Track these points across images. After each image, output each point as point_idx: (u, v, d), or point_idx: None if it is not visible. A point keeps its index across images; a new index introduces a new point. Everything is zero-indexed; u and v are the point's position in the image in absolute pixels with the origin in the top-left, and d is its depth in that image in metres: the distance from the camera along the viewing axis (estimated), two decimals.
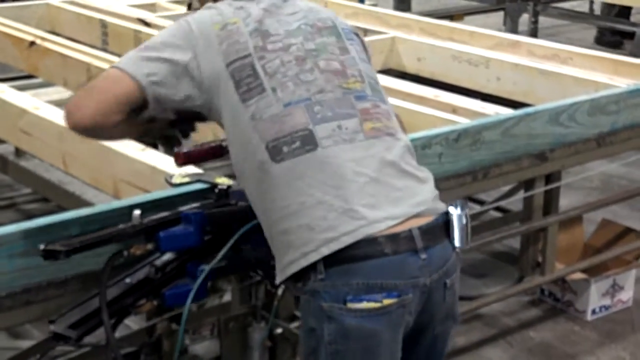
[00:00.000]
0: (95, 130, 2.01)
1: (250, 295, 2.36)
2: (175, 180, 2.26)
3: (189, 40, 1.96)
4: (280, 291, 2.13)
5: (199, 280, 1.94)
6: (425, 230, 1.86)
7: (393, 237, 1.83)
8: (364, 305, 1.82)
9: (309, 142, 1.87)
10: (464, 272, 3.77)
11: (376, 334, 1.84)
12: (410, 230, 1.85)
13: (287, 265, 1.87)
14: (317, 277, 1.83)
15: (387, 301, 1.82)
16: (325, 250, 1.82)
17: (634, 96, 3.26)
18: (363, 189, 1.85)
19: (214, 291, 2.31)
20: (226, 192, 2.14)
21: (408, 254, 1.84)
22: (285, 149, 1.87)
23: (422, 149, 2.71)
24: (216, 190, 2.15)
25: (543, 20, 7.12)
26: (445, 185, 2.80)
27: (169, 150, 2.22)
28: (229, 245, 1.96)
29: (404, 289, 1.84)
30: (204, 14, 2.03)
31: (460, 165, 2.84)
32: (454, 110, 3.21)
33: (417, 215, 1.87)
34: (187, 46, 1.96)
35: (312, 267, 1.84)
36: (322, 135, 1.88)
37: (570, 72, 3.63)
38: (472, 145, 2.85)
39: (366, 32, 4.24)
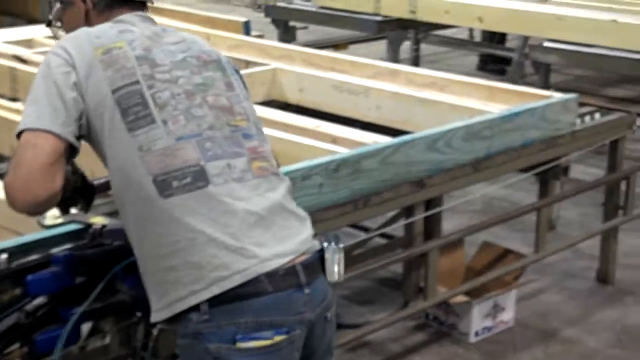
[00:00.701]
0: (50, 200, 1.87)
1: (130, 336, 2.32)
2: (48, 221, 2.21)
3: (69, 68, 1.88)
4: (156, 331, 2.09)
5: (69, 325, 1.90)
6: (306, 266, 1.88)
7: (278, 274, 1.83)
8: (255, 343, 1.80)
9: (200, 178, 1.85)
10: (350, 300, 3.84)
11: None
12: (294, 266, 1.86)
13: (172, 302, 1.83)
14: (201, 318, 1.80)
15: (277, 338, 1.82)
16: (216, 290, 1.80)
17: (506, 121, 3.36)
18: (253, 228, 1.85)
19: (96, 332, 2.26)
20: (100, 231, 2.10)
21: (293, 289, 1.85)
22: (175, 183, 1.83)
23: (302, 180, 2.73)
24: (90, 231, 2.11)
25: (425, 47, 7.29)
26: (326, 215, 2.83)
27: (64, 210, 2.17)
28: (99, 288, 1.92)
29: (292, 325, 1.84)
30: (80, 37, 1.94)
31: (340, 195, 2.88)
32: (334, 140, 3.24)
33: (302, 253, 1.89)
34: (69, 75, 1.88)
35: (194, 308, 1.81)
36: (213, 173, 1.86)
37: (447, 99, 3.72)
38: (351, 174, 2.89)
39: (248, 63, 4.25)
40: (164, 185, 1.83)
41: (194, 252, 1.82)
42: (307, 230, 1.95)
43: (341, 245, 1.94)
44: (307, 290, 1.86)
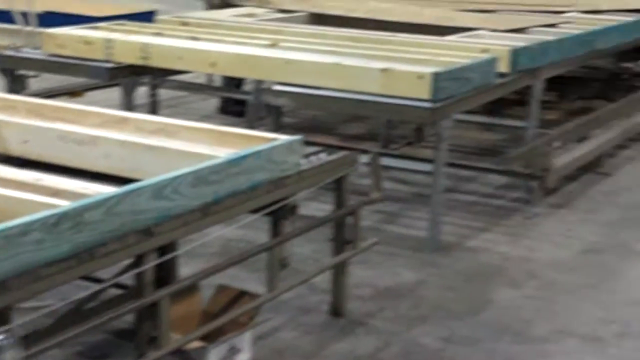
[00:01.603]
0: None
1: None
2: None
3: None
4: None
5: None
6: None
7: None
8: None
9: None
10: (83, 356, 3.72)
11: None
12: None
13: None
14: None
15: None
16: None
17: (232, 165, 3.43)
18: None
19: None
20: None
21: None
22: None
23: (20, 236, 2.63)
24: None
25: (164, 92, 7.30)
26: (48, 271, 2.75)
27: None
28: None
29: None
30: None
31: (62, 250, 2.80)
32: (55, 193, 3.16)
33: None
34: None
35: None
36: None
37: (177, 145, 3.74)
38: (73, 227, 2.83)
39: None
40: None
41: None
42: None
43: (16, 339, 1.85)
44: None
